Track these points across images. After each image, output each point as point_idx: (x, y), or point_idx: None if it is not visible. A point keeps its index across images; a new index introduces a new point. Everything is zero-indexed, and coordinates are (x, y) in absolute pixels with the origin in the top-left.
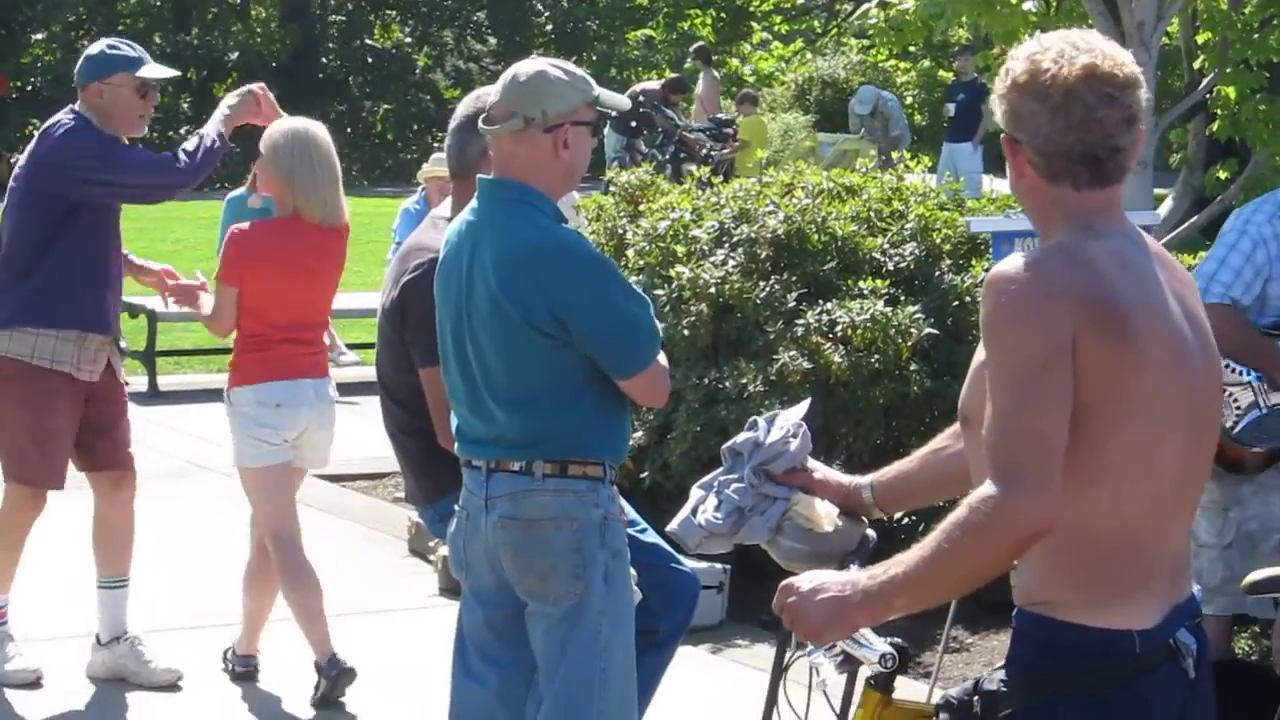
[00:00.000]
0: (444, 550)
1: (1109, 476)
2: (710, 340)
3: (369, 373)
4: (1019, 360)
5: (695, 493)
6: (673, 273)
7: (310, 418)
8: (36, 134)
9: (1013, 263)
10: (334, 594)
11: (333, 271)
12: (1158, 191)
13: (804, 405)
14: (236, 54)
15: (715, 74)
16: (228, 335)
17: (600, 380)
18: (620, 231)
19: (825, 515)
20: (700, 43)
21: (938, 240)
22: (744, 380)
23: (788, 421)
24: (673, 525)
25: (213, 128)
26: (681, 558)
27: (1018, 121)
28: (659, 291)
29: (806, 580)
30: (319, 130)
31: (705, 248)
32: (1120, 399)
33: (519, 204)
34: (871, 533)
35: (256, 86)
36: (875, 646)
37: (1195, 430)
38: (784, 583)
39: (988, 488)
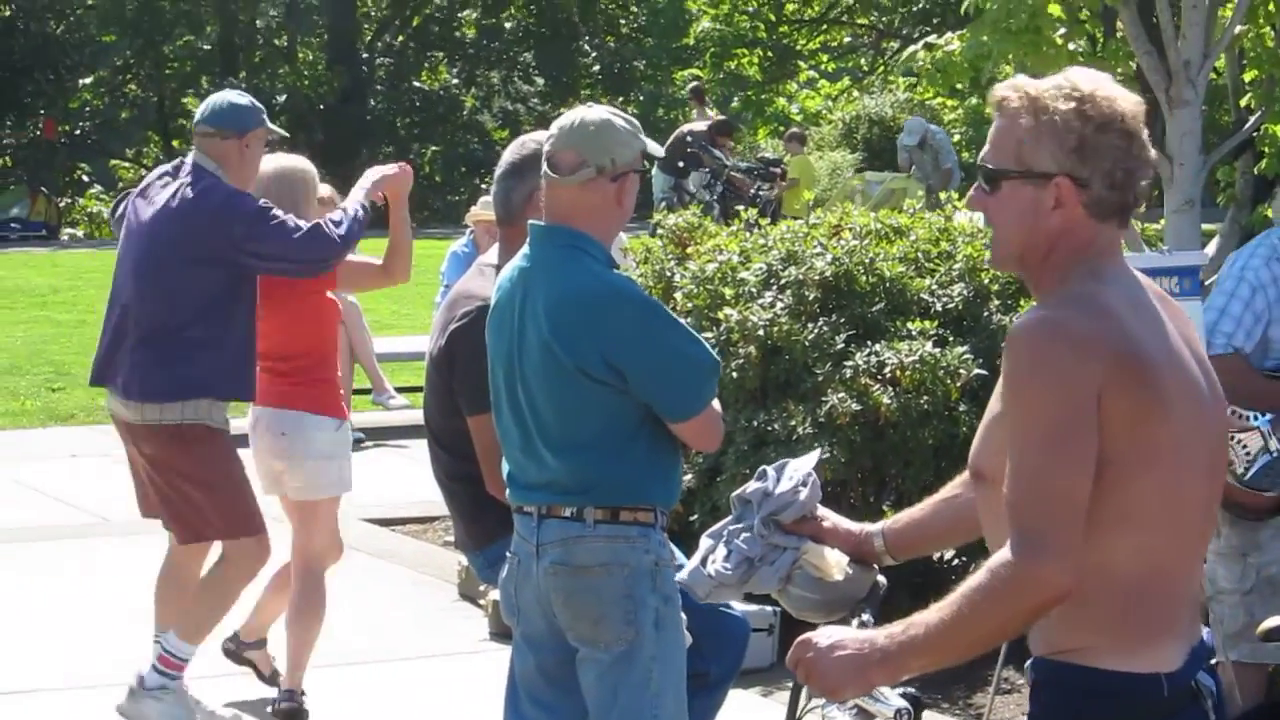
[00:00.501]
0: (494, 594)
1: (1136, 522)
2: (759, 382)
3: (418, 416)
4: (1046, 419)
5: (704, 542)
6: (721, 315)
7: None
8: (165, 190)
9: (1037, 316)
10: (384, 638)
11: (303, 300)
12: (1206, 227)
13: (814, 455)
14: (284, 96)
15: (710, 113)
16: None
17: (653, 424)
18: (668, 274)
19: (835, 564)
20: (695, 82)
21: (986, 280)
22: (793, 422)
23: (797, 471)
24: (682, 575)
25: (356, 199)
26: (733, 601)
27: (1089, 155)
28: (707, 334)
29: (824, 636)
30: (298, 162)
31: (753, 290)
32: (1148, 447)
33: (573, 250)
34: (882, 580)
35: (402, 166)
36: (891, 702)
37: (1213, 473)
38: (800, 638)
39: (1008, 552)
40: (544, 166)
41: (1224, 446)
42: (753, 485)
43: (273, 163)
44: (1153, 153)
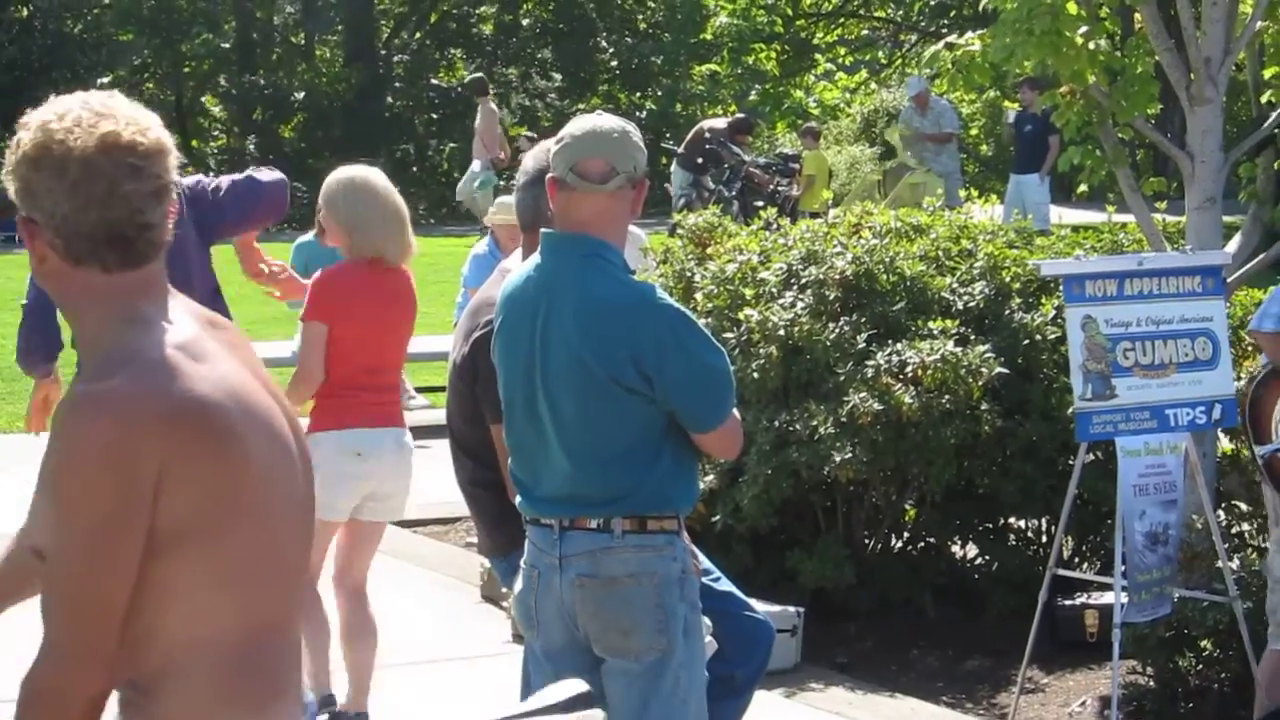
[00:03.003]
0: None
1: (234, 585)
2: (780, 383)
3: (439, 416)
4: (89, 514)
5: None
6: (741, 315)
7: (389, 468)
8: None
9: (78, 392)
10: (406, 640)
11: (407, 315)
12: (1228, 219)
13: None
14: (302, 94)
15: (493, 107)
16: (316, 384)
17: (676, 432)
18: (688, 274)
19: None
20: (477, 75)
21: (1007, 279)
22: (815, 422)
23: None
24: None
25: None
26: (754, 604)
27: (32, 200)
28: (728, 334)
29: None
30: (374, 176)
31: (774, 290)
32: (233, 509)
33: (595, 259)
34: None
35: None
36: None
37: (304, 520)
38: None
39: (38, 658)
40: (566, 175)
41: (310, 487)
42: None
43: (343, 174)
44: (150, 187)
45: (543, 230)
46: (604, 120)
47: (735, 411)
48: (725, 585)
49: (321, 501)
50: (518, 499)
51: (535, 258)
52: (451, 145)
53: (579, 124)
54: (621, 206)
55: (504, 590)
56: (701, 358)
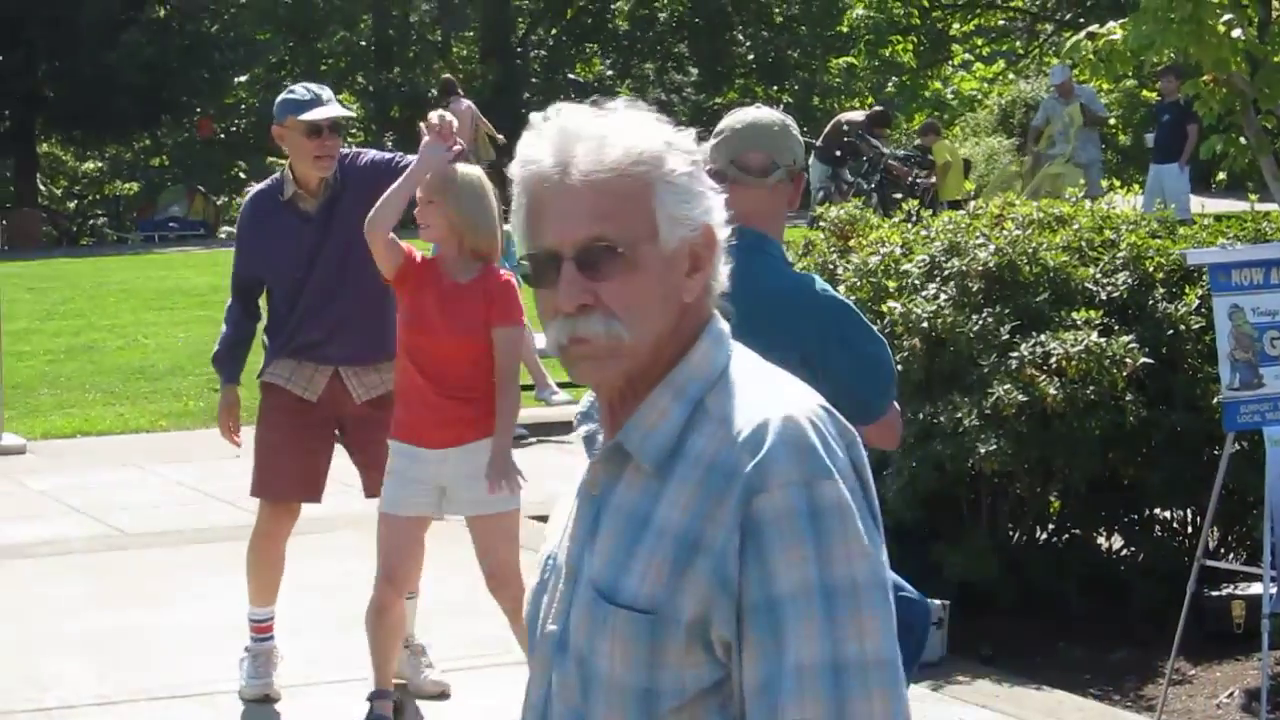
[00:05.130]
0: None
1: None
2: (924, 375)
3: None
4: None
5: None
6: (884, 308)
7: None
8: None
9: None
10: None
11: (471, 330)
12: None
13: None
14: (438, 91)
15: (465, 104)
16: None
17: None
18: (831, 266)
19: None
20: (445, 76)
21: (1150, 269)
22: (959, 414)
23: None
24: None
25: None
26: (908, 585)
27: None
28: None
29: None
30: (479, 173)
31: (916, 282)
32: None
33: (758, 252)
34: None
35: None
36: None
37: None
38: None
39: None
40: (726, 167)
41: None
42: None
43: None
44: None
45: None
46: (764, 113)
47: (895, 403)
48: None
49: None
50: None
51: None
52: None
53: (738, 117)
54: (781, 200)
55: None
56: (864, 348)
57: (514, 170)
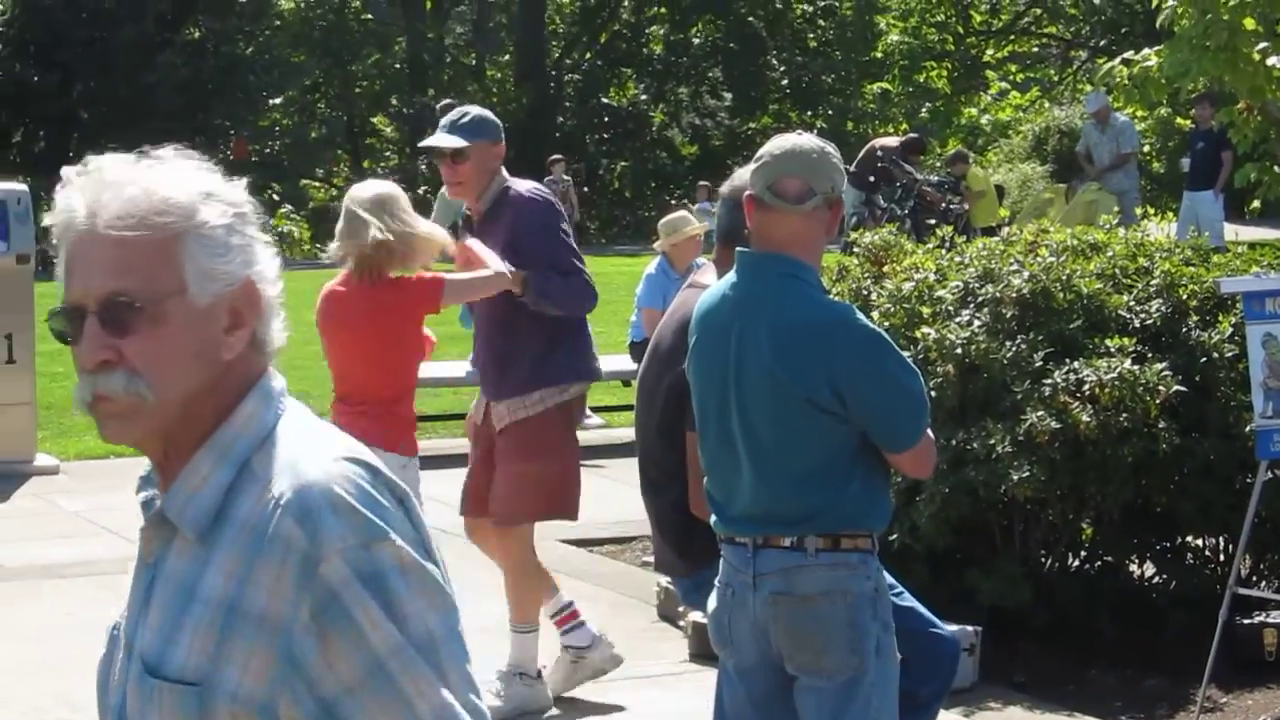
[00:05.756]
0: (694, 616)
1: None
2: (957, 401)
3: (613, 435)
4: None
5: None
6: (918, 334)
7: None
8: None
9: None
10: None
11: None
12: None
13: None
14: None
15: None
16: None
17: (869, 450)
18: (865, 292)
19: None
20: (446, 101)
21: (1184, 296)
22: (992, 441)
23: None
24: None
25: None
26: (939, 621)
27: None
28: (905, 353)
29: None
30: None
31: (950, 308)
32: None
33: (792, 279)
34: None
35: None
36: None
37: None
38: None
39: None
40: (763, 194)
41: None
42: None
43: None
44: None
45: (738, 249)
46: (803, 140)
47: (929, 432)
48: (908, 601)
49: None
50: (712, 518)
51: (730, 276)
52: (623, 164)
53: (778, 143)
54: (818, 227)
55: (680, 609)
56: (897, 379)
57: (49, 219)
